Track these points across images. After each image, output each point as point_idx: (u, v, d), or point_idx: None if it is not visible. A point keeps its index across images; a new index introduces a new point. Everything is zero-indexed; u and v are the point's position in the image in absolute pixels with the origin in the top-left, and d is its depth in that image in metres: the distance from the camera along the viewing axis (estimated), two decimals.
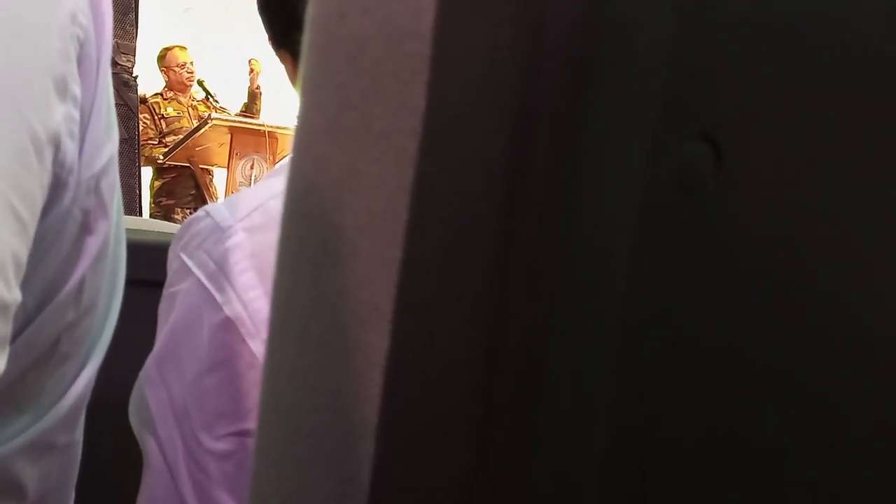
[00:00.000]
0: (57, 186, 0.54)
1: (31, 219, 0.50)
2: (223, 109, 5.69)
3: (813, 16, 0.27)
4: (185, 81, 5.57)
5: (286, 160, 0.60)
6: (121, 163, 0.66)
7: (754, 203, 0.28)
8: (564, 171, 0.31)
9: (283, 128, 5.27)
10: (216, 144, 5.33)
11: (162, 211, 5.48)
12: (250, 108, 5.84)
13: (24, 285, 0.51)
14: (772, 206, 0.28)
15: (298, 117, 0.35)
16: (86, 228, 0.59)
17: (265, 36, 0.93)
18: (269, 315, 0.37)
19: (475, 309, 0.32)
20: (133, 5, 4.49)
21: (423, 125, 0.31)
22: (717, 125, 0.29)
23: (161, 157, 5.39)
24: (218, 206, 0.82)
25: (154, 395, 0.78)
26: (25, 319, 0.56)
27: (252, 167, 5.26)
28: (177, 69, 5.53)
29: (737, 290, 0.28)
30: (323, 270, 0.34)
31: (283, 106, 4.87)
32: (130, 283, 0.71)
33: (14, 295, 0.49)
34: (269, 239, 0.78)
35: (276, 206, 0.80)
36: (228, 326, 0.77)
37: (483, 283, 0.32)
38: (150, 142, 5.41)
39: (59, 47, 0.51)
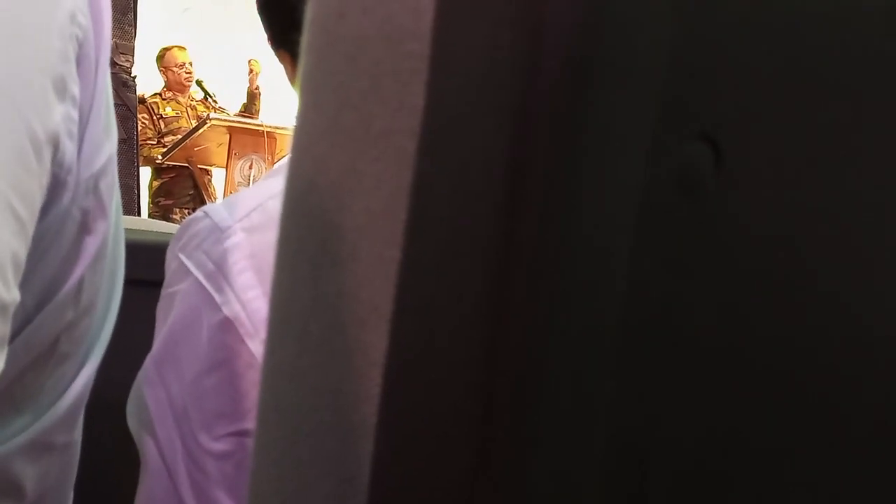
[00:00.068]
0: (56, 186, 0.54)
1: (30, 218, 0.50)
2: (222, 109, 5.69)
3: (813, 16, 0.27)
4: (184, 82, 5.57)
5: (285, 160, 0.60)
6: (119, 163, 0.66)
7: (754, 203, 0.28)
8: (564, 171, 0.31)
9: (282, 128, 5.27)
10: (215, 144, 5.33)
11: (160, 211, 5.47)
12: (249, 108, 5.83)
13: (23, 285, 0.51)
14: (772, 206, 0.28)
15: (297, 117, 0.35)
16: (85, 228, 0.59)
17: (264, 36, 0.93)
18: (269, 315, 0.37)
19: (475, 309, 0.32)
20: (132, 5, 4.49)
21: (422, 125, 0.31)
22: (717, 125, 0.29)
23: (159, 157, 5.39)
24: (216, 207, 0.82)
25: (153, 396, 0.78)
26: (24, 319, 0.56)
27: (251, 167, 5.26)
28: (175, 69, 5.53)
29: (737, 290, 0.28)
30: (322, 270, 0.34)
31: (281, 106, 4.87)
32: (129, 283, 0.71)
33: (13, 295, 0.49)
34: (268, 239, 0.78)
35: (274, 207, 0.80)
36: (227, 326, 0.77)
37: (483, 283, 0.32)
38: (148, 142, 5.41)
39: (58, 47, 0.51)
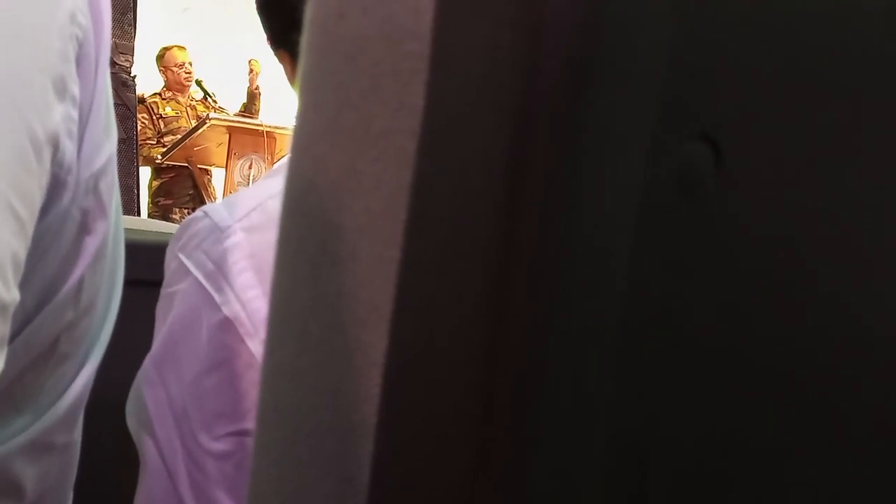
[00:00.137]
0: (56, 186, 0.54)
1: (30, 218, 0.50)
2: (222, 109, 5.69)
3: (813, 16, 0.27)
4: (183, 82, 5.57)
5: (285, 160, 0.60)
6: (119, 163, 0.66)
7: (754, 203, 0.28)
8: (564, 171, 0.31)
9: (282, 128, 5.27)
10: (214, 144, 5.33)
11: (160, 211, 5.47)
12: (249, 108, 5.83)
13: (23, 285, 0.51)
14: (772, 206, 0.28)
15: (297, 117, 0.35)
16: (84, 228, 0.59)
17: (264, 36, 0.92)
18: (269, 315, 0.37)
19: (475, 309, 0.32)
20: (131, 5, 4.49)
21: (422, 125, 0.31)
22: (717, 125, 0.29)
23: (159, 156, 5.39)
24: (216, 207, 0.82)
25: (152, 396, 0.78)
26: (24, 319, 0.56)
27: (250, 167, 5.26)
28: (175, 69, 5.53)
29: (737, 290, 0.28)
30: (322, 270, 0.34)
31: (281, 106, 4.87)
32: (128, 283, 0.71)
33: (13, 295, 0.49)
34: (268, 239, 0.78)
35: (274, 206, 0.80)
36: (227, 326, 0.77)
37: (483, 283, 0.32)
38: (148, 141, 5.41)
39: (58, 47, 0.51)
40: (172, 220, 4.77)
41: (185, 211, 5.37)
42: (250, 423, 0.76)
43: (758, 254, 0.28)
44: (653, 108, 0.30)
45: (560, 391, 0.31)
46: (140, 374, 0.80)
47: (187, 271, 0.79)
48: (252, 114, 5.75)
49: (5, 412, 0.59)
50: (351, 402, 0.32)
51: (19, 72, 0.48)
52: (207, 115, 5.37)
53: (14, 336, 0.54)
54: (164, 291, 0.83)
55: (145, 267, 0.91)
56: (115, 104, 0.66)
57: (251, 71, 5.80)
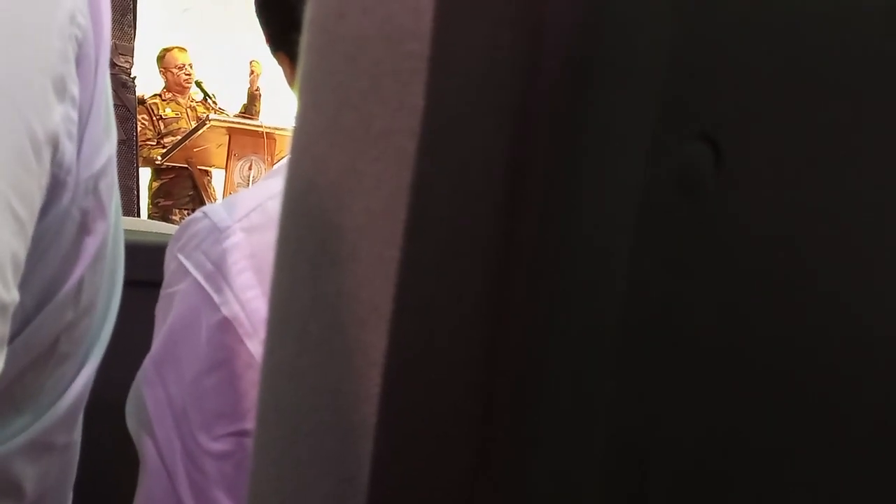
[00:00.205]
0: (55, 187, 0.54)
1: (30, 219, 0.50)
2: (222, 111, 5.69)
3: (813, 16, 0.27)
4: (183, 83, 5.56)
5: (284, 161, 0.60)
6: (118, 164, 0.66)
7: (754, 203, 0.28)
8: (564, 171, 0.31)
9: (281, 129, 5.27)
10: (214, 145, 5.33)
11: (160, 212, 5.47)
12: (249, 109, 5.83)
13: (23, 285, 0.51)
14: (772, 206, 0.28)
15: (297, 117, 0.35)
16: (84, 229, 0.59)
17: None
18: (268, 315, 0.37)
19: (475, 309, 0.32)
20: (131, 6, 4.50)
21: (422, 125, 0.31)
22: (717, 125, 0.29)
23: (159, 157, 5.39)
24: (216, 207, 0.82)
25: (152, 396, 0.78)
26: (24, 319, 0.56)
27: (250, 168, 5.26)
28: (175, 70, 5.53)
29: (737, 290, 0.28)
30: (322, 270, 0.34)
31: (281, 107, 4.87)
32: (128, 283, 0.71)
33: (12, 295, 0.49)
34: (268, 239, 0.78)
35: (274, 207, 0.80)
36: (226, 327, 0.77)
37: (483, 283, 0.32)
38: (148, 143, 5.41)
39: (58, 47, 0.51)
40: (172, 221, 4.77)
41: (185, 212, 5.37)
42: (249, 424, 0.76)
43: (758, 254, 0.28)
44: (653, 108, 0.30)
45: (560, 391, 0.31)
46: (140, 375, 0.81)
47: (186, 272, 0.79)
48: (252, 115, 5.75)
49: (5, 412, 0.59)
50: (351, 402, 0.32)
51: (19, 72, 0.48)
52: (207, 116, 5.37)
53: (14, 336, 0.54)
54: (163, 292, 0.83)
55: (145, 268, 0.91)
56: (115, 105, 0.66)
57: (252, 72, 5.80)
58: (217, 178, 5.59)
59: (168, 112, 5.56)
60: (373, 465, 0.32)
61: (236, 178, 5.23)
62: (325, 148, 0.34)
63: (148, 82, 5.47)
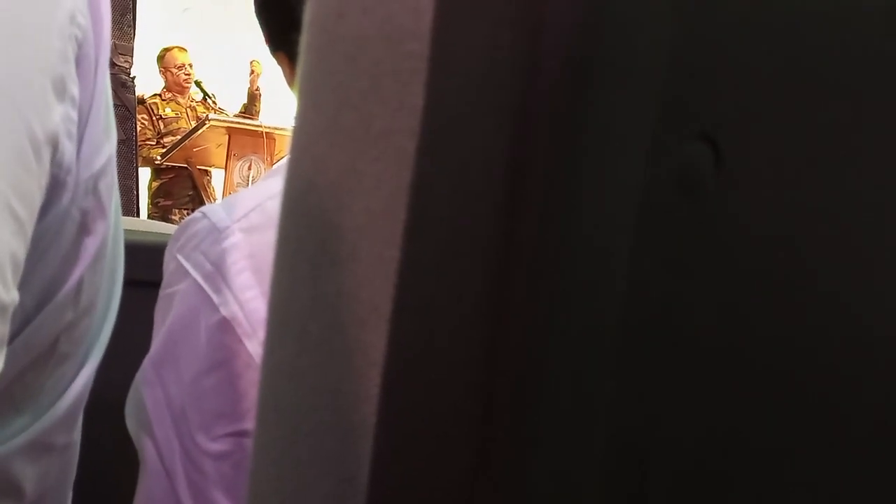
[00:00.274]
0: (55, 187, 0.54)
1: (30, 219, 0.50)
2: (222, 110, 5.69)
3: (813, 16, 0.27)
4: (183, 83, 5.56)
5: (284, 161, 0.60)
6: (118, 164, 0.66)
7: (754, 203, 0.28)
8: (564, 171, 0.31)
9: (281, 128, 5.27)
10: (214, 145, 5.33)
11: (159, 212, 5.47)
12: (249, 109, 5.83)
13: (23, 285, 0.51)
14: (772, 206, 0.28)
15: (297, 117, 0.35)
16: (84, 229, 0.59)
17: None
18: (268, 315, 0.37)
19: (475, 309, 0.32)
20: (131, 6, 4.50)
21: (422, 125, 0.31)
22: (717, 125, 0.29)
23: (159, 157, 5.39)
24: (215, 208, 0.82)
25: (151, 396, 0.78)
26: (24, 319, 0.56)
27: (250, 168, 5.26)
28: (174, 70, 5.53)
29: (737, 290, 0.28)
30: (322, 270, 0.34)
31: (281, 107, 4.87)
32: (128, 283, 0.71)
33: (12, 295, 0.49)
34: (267, 239, 0.78)
35: (273, 207, 0.80)
36: (225, 327, 0.77)
37: (483, 283, 0.32)
38: (147, 142, 5.41)
39: (58, 47, 0.51)
40: (172, 221, 4.77)
41: (185, 212, 5.37)
42: (249, 424, 0.76)
43: (758, 254, 0.28)
44: (653, 108, 0.30)
45: (560, 391, 0.31)
46: (139, 375, 0.80)
47: (186, 272, 0.79)
48: (252, 114, 5.75)
49: (5, 412, 0.59)
50: (350, 402, 0.32)
51: (19, 72, 0.48)
52: (207, 115, 5.37)
53: (14, 336, 0.54)
54: (162, 292, 0.83)
55: (145, 268, 0.91)
56: (115, 105, 0.66)
57: (252, 72, 5.80)
58: (217, 177, 5.59)
59: (168, 112, 5.56)
60: (373, 465, 0.32)
61: (236, 178, 5.23)
62: (325, 148, 0.34)
63: (148, 82, 5.47)
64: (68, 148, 0.54)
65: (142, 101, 5.35)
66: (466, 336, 0.32)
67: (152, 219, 4.98)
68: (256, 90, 5.83)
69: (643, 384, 0.30)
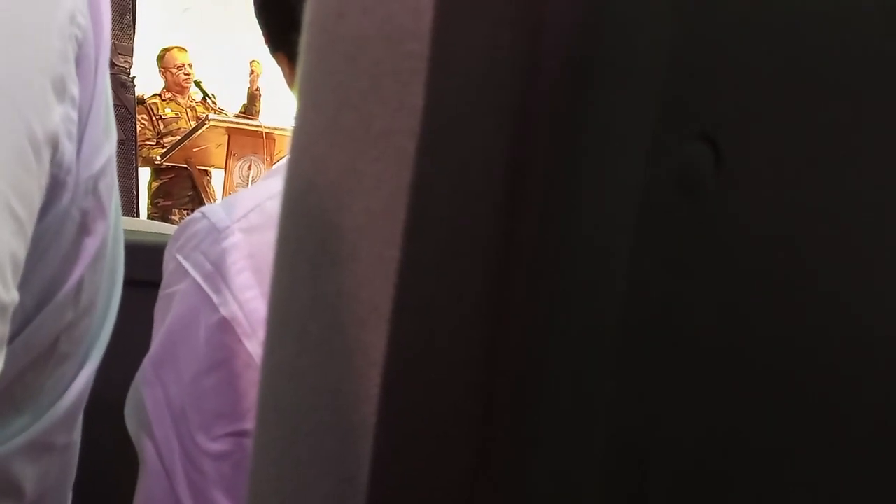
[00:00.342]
0: (55, 187, 0.54)
1: (29, 219, 0.50)
2: (221, 110, 5.69)
3: (813, 16, 0.27)
4: (182, 83, 5.57)
5: (284, 161, 0.60)
6: (118, 164, 0.66)
7: (754, 203, 0.28)
8: (564, 171, 0.31)
9: (281, 129, 5.27)
10: (214, 145, 5.33)
11: (159, 212, 5.47)
12: (250, 109, 5.83)
13: (23, 286, 0.51)
14: (772, 206, 0.28)
15: (297, 117, 0.35)
16: (84, 229, 0.59)
17: None
18: (268, 315, 0.37)
19: (475, 309, 0.32)
20: (131, 6, 4.50)
21: (422, 125, 0.31)
22: (717, 125, 0.29)
23: (158, 157, 5.39)
24: (214, 208, 0.82)
25: (151, 396, 0.78)
26: (24, 320, 0.56)
27: (249, 168, 5.27)
28: (174, 70, 5.53)
29: (737, 290, 0.28)
30: (322, 270, 0.34)
31: (280, 107, 4.87)
32: (128, 283, 0.71)
33: (12, 295, 0.49)
34: (267, 239, 0.78)
35: (273, 207, 0.80)
36: (225, 327, 0.77)
37: (483, 283, 0.32)
38: (147, 142, 5.41)
39: (58, 48, 0.51)
40: (172, 221, 4.77)
41: (185, 212, 5.37)
42: (248, 424, 0.76)
43: (758, 254, 0.28)
44: (653, 108, 0.30)
45: (560, 391, 0.31)
46: (138, 375, 0.81)
47: (185, 272, 0.79)
48: (252, 115, 5.75)
49: (5, 412, 0.59)
50: (350, 402, 0.32)
51: (19, 72, 0.48)
52: (206, 116, 5.37)
53: (14, 336, 0.54)
54: (162, 293, 0.83)
55: (145, 268, 0.91)
56: (114, 105, 0.66)
57: (252, 72, 5.80)
58: (217, 178, 5.59)
59: (168, 112, 5.56)
60: (372, 465, 0.32)
61: (236, 178, 5.23)
62: (325, 148, 0.34)
63: (148, 82, 5.47)
64: (68, 148, 0.54)
65: (142, 101, 5.35)
66: (466, 336, 0.32)
67: (152, 219, 4.99)
68: (256, 90, 5.83)
69: (643, 384, 0.30)
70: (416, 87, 0.31)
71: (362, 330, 0.32)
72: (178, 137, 5.35)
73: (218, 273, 0.78)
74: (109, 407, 0.82)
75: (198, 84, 5.67)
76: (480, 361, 0.32)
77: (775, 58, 0.28)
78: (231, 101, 5.93)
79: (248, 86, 5.87)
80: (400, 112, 0.31)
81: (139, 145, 5.13)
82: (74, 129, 0.54)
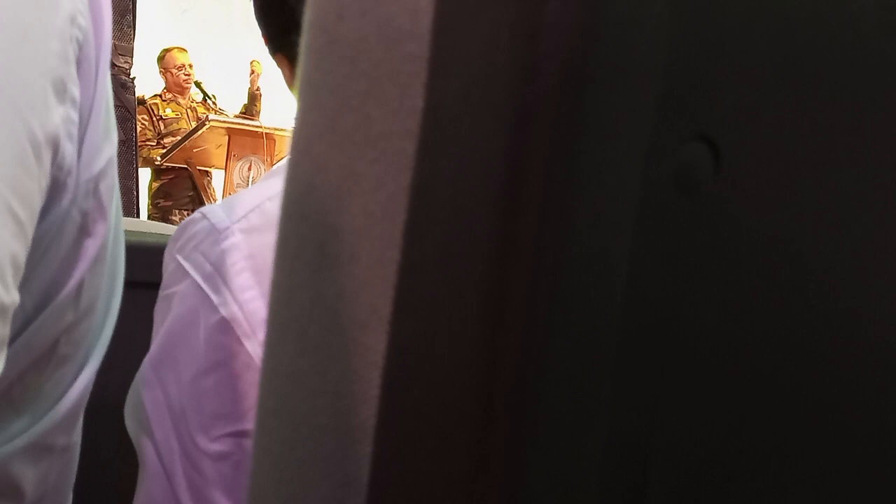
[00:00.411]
0: (55, 188, 0.54)
1: (30, 220, 0.50)
2: (222, 111, 5.69)
3: (812, 16, 0.27)
4: (183, 84, 5.56)
5: (284, 161, 0.60)
6: (118, 164, 0.66)
7: (753, 203, 0.28)
8: (563, 172, 0.31)
9: (281, 129, 5.27)
10: (214, 146, 5.33)
11: (160, 212, 5.47)
12: (250, 109, 5.83)
13: (23, 287, 0.51)
14: (770, 206, 0.28)
15: (296, 119, 0.35)
16: (84, 230, 0.59)
17: None
18: (268, 316, 0.37)
19: (475, 310, 0.32)
20: (131, 7, 4.50)
21: (421, 127, 0.31)
22: (715, 126, 0.29)
23: (159, 158, 5.39)
24: (214, 208, 0.82)
25: (150, 397, 0.78)
26: (24, 321, 0.56)
27: (250, 169, 5.27)
28: (174, 71, 5.53)
29: (736, 290, 0.28)
30: (322, 272, 0.34)
31: (280, 108, 4.87)
32: (128, 284, 0.71)
33: (12, 297, 0.49)
34: (267, 240, 0.78)
35: (273, 208, 0.80)
36: (225, 327, 0.77)
37: (483, 285, 0.32)
38: (147, 143, 5.41)
39: (58, 49, 0.51)
40: (172, 222, 4.78)
41: (185, 212, 5.37)
42: (248, 424, 0.76)
43: (757, 254, 0.28)
44: (651, 108, 0.30)
45: (560, 392, 0.31)
46: (138, 376, 0.80)
47: (185, 273, 0.79)
48: (253, 115, 5.75)
49: (5, 414, 0.59)
50: (350, 404, 0.32)
51: (19, 73, 0.48)
52: (207, 116, 5.37)
53: (14, 338, 0.54)
54: (161, 293, 0.83)
55: (145, 268, 0.91)
56: (115, 106, 0.66)
57: (252, 72, 5.80)
58: (217, 178, 5.59)
59: (168, 112, 5.56)
60: (372, 466, 0.32)
61: (236, 179, 5.23)
62: (325, 149, 0.34)
63: (148, 83, 5.47)
64: (69, 149, 0.54)
65: (142, 102, 5.35)
66: (466, 337, 0.32)
67: (152, 220, 4.99)
68: (257, 90, 5.83)
69: (643, 384, 0.30)
70: (416, 88, 0.31)
71: (362, 332, 0.32)
72: (179, 138, 5.35)
73: (218, 274, 0.78)
74: (109, 408, 0.82)
75: (198, 84, 5.67)
76: (480, 363, 0.32)
77: (774, 58, 0.28)
78: (231, 102, 5.93)
79: (249, 86, 5.87)
80: (399, 114, 0.31)
81: (139, 146, 5.13)
82: (75, 131, 0.54)
